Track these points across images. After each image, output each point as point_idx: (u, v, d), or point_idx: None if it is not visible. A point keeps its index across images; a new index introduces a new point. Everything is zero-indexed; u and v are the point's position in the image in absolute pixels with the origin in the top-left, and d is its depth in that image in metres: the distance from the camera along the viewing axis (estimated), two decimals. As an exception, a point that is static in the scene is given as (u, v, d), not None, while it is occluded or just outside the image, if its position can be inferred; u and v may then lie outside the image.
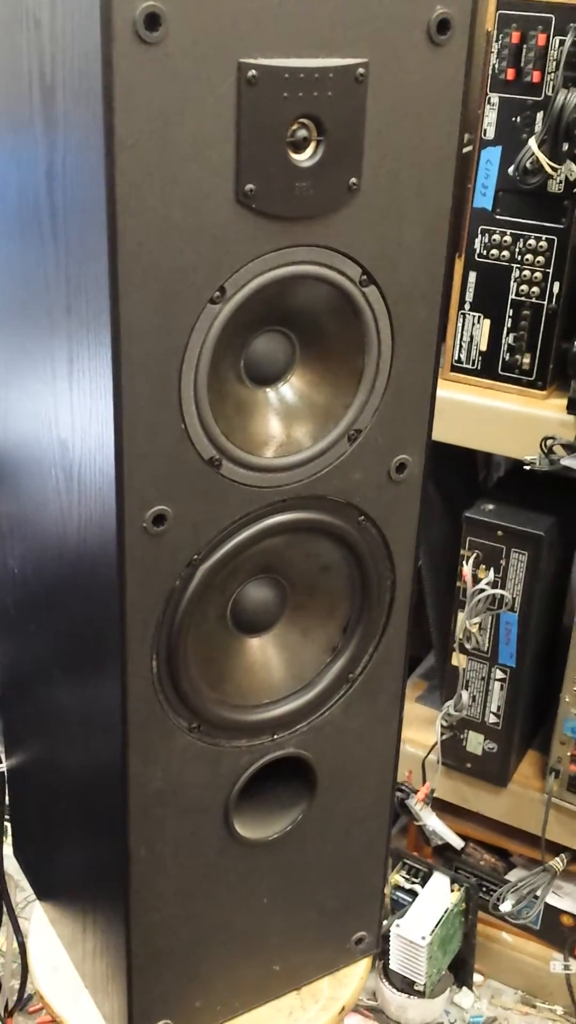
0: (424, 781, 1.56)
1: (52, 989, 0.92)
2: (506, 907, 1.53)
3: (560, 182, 1.25)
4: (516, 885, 1.55)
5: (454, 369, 1.38)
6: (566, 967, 1.51)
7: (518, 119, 1.25)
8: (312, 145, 0.64)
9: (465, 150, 1.10)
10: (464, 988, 1.62)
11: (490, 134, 1.27)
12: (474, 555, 1.40)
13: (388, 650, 0.83)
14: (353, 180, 0.66)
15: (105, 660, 0.73)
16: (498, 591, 1.39)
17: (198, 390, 0.66)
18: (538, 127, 1.23)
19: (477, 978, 1.64)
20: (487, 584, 1.39)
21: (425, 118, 0.68)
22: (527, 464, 1.30)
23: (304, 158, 0.64)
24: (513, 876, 1.62)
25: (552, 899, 1.56)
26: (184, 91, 0.59)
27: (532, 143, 1.22)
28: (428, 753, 1.53)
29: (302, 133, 0.64)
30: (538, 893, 1.54)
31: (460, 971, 1.61)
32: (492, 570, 1.39)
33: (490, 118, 1.26)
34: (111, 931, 0.83)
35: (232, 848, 0.82)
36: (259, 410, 0.72)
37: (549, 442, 1.28)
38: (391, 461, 0.77)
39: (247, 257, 0.65)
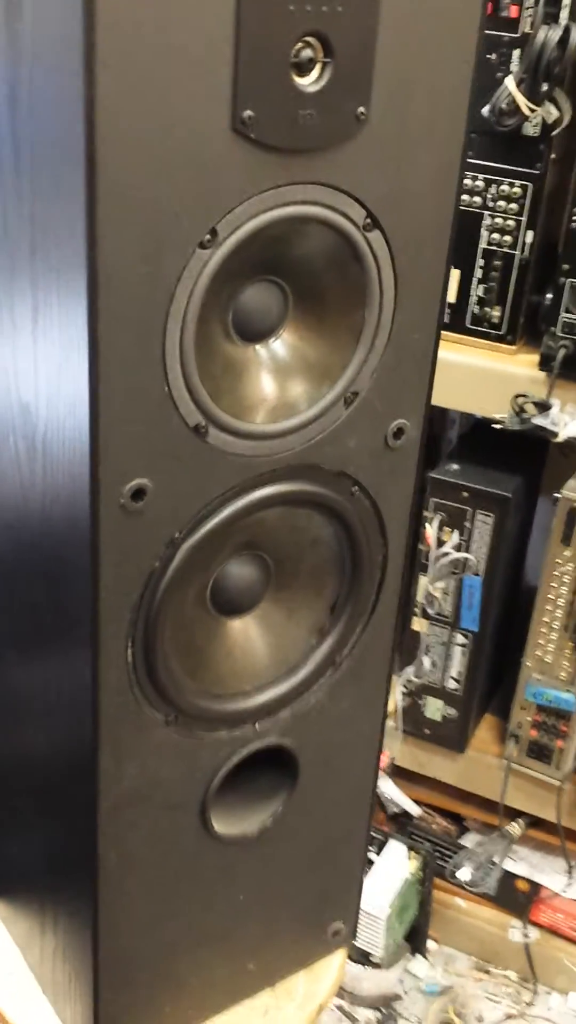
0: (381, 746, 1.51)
1: (5, 995, 0.85)
2: (464, 875, 1.51)
3: (536, 124, 1.18)
4: (473, 852, 1.52)
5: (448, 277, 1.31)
6: (525, 935, 1.49)
7: (494, 57, 1.17)
8: (318, 67, 0.56)
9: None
10: (418, 956, 1.59)
11: (462, 71, 1.19)
12: (438, 517, 1.35)
13: (376, 630, 0.77)
14: (361, 110, 0.58)
15: (73, 648, 0.65)
16: (463, 555, 1.34)
17: (184, 347, 0.58)
18: (514, 66, 1.16)
19: (431, 945, 1.61)
20: (452, 547, 1.34)
21: (440, 43, 0.60)
22: (497, 424, 1.24)
23: (309, 82, 0.56)
24: (468, 841, 1.59)
25: (507, 864, 1.54)
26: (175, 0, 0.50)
27: (509, 82, 1.15)
28: (386, 719, 1.49)
29: (307, 53, 0.55)
30: (495, 859, 1.52)
31: (415, 939, 1.58)
32: (456, 532, 1.34)
33: (462, 54, 1.18)
34: (75, 932, 0.77)
35: (208, 845, 0.76)
36: (249, 370, 0.64)
37: (520, 400, 1.22)
38: (388, 426, 0.70)
39: (243, 195, 0.57)
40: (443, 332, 1.31)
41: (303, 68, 0.56)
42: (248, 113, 0.54)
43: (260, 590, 0.73)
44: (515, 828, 1.50)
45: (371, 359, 0.66)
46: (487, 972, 1.59)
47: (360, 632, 0.77)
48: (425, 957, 1.59)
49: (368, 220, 0.62)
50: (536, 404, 1.21)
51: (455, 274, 1.27)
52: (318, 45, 0.56)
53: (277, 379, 0.65)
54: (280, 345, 0.65)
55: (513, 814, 1.52)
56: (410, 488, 0.74)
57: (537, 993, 1.55)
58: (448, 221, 0.66)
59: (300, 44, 0.55)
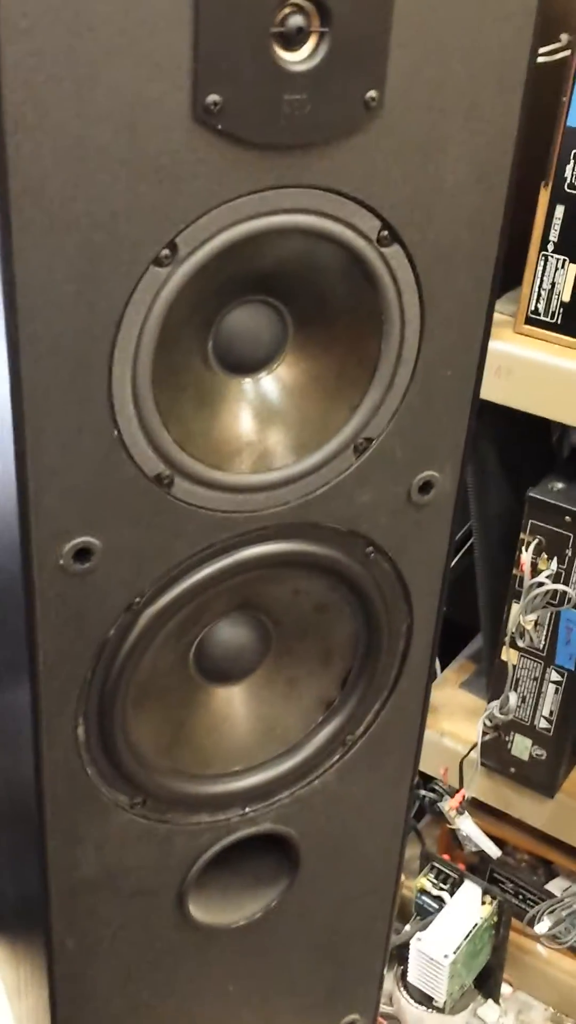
0: (461, 781, 1.39)
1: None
2: (542, 928, 1.37)
3: None
4: (554, 905, 1.38)
5: (529, 322, 1.15)
6: (605, 1005, 1.35)
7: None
8: (312, 39, 0.44)
9: (559, 55, 0.87)
10: (489, 1000, 1.47)
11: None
12: (536, 541, 1.20)
13: (400, 708, 0.65)
14: (372, 94, 0.46)
15: (14, 723, 0.56)
16: (560, 587, 1.19)
17: (138, 383, 0.48)
18: None
19: (505, 988, 1.49)
20: (547, 577, 1.19)
21: (484, 5, 0.47)
22: (607, 443, 1.08)
23: (299, 59, 0.44)
24: (554, 887, 1.45)
25: (595, 919, 1.40)
26: (111, -52, 0.39)
27: None
28: (468, 752, 1.36)
29: (297, 20, 0.43)
30: (580, 914, 1.38)
31: (486, 982, 1.46)
32: (555, 560, 1.19)
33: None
34: (41, 1009, 0.69)
35: (188, 934, 0.67)
36: (231, 407, 0.53)
37: None
38: (413, 479, 0.58)
39: (210, 202, 0.45)
40: (556, 334, 1.17)
41: (290, 40, 0.43)
42: (214, 98, 0.43)
43: (256, 656, 0.62)
44: (605, 884, 1.36)
45: (389, 400, 0.54)
46: (565, 1028, 1.46)
47: (378, 710, 0.65)
48: (497, 1002, 1.47)
49: (384, 232, 0.50)
50: None
51: (572, 269, 1.11)
52: (312, 10, 0.43)
53: (267, 420, 0.54)
54: (274, 379, 0.54)
55: (605, 867, 1.38)
56: (443, 549, 0.61)
57: (619, 1060, 1.41)
58: (496, 228, 0.53)
59: (288, 8, 0.43)
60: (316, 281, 0.51)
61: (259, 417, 0.53)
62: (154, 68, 0.41)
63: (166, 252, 0.45)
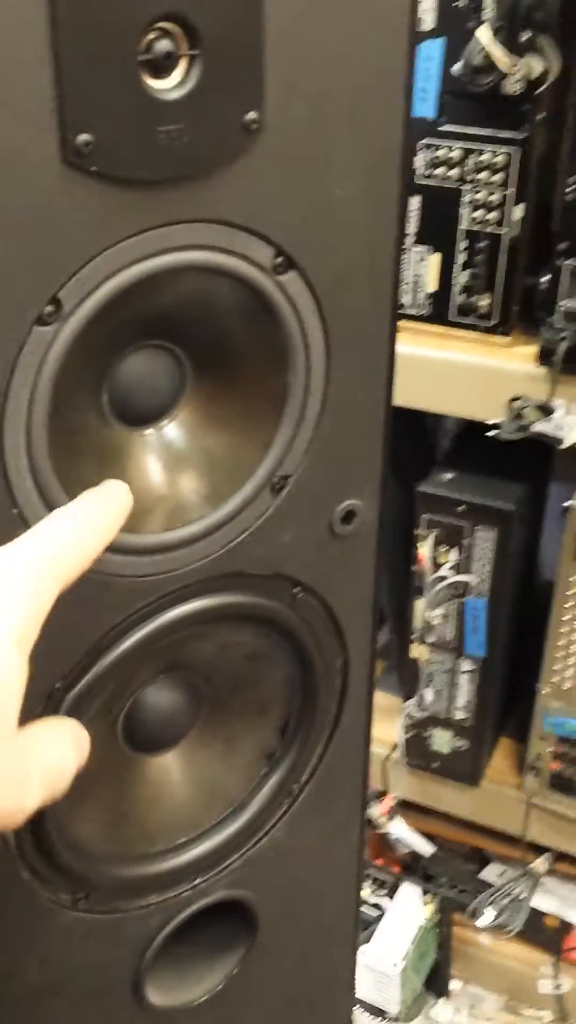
0: (385, 783, 1.38)
1: None
2: (486, 920, 1.37)
3: (519, 81, 1.00)
4: (494, 895, 1.38)
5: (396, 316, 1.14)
6: (557, 987, 1.36)
7: (462, 2, 0.99)
8: (182, 64, 0.40)
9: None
10: (441, 999, 1.46)
11: (428, 22, 1.01)
12: (432, 535, 1.19)
13: (344, 746, 0.62)
14: (252, 116, 0.42)
15: None
16: (462, 577, 1.19)
17: (34, 453, 0.43)
18: (489, 12, 0.98)
19: (455, 985, 1.48)
20: (450, 569, 1.19)
21: (357, 9, 0.44)
22: (491, 432, 1.08)
23: (171, 86, 0.40)
24: (489, 874, 1.45)
25: (534, 901, 1.40)
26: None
27: (482, 33, 0.97)
28: (390, 753, 1.35)
29: (164, 45, 0.39)
30: (521, 898, 1.38)
31: (435, 982, 1.45)
32: (455, 551, 1.19)
33: (427, 2, 1.00)
34: None
35: (148, 1021, 0.62)
36: (135, 462, 0.49)
37: (517, 404, 1.06)
38: (334, 511, 0.54)
39: (91, 250, 0.41)
40: (425, 326, 1.16)
41: (159, 67, 0.39)
42: (84, 138, 0.39)
43: (189, 718, 0.58)
44: (541, 865, 1.37)
45: (302, 433, 0.51)
46: (518, 1014, 1.46)
47: (322, 752, 0.62)
48: (448, 998, 1.47)
49: (279, 260, 0.46)
50: (537, 408, 1.05)
51: (435, 259, 1.10)
52: (179, 32, 0.40)
53: (176, 470, 0.50)
54: (178, 426, 0.50)
55: (537, 847, 1.38)
56: (370, 577, 0.58)
57: (574, 1034, 1.42)
58: (391, 243, 0.50)
59: (152, 33, 0.39)
60: (213, 318, 0.47)
61: (167, 469, 0.49)
62: (14, 115, 0.37)
63: (49, 309, 0.41)
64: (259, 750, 0.60)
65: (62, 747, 0.40)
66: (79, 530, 0.40)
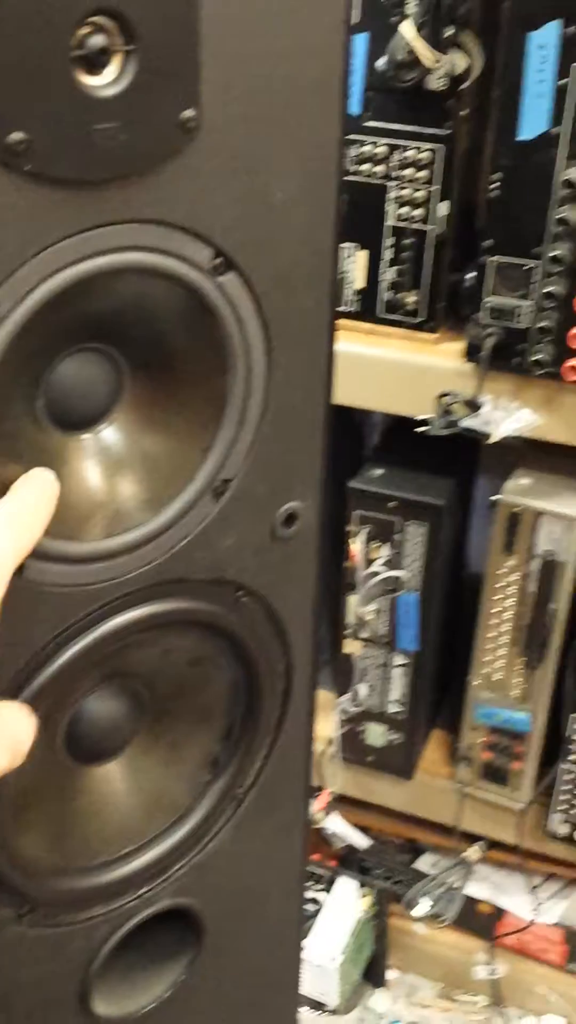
0: (321, 778, 1.38)
1: None
2: (421, 910, 1.38)
3: (442, 77, 1.00)
4: (428, 884, 1.40)
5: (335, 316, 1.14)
6: (491, 972, 1.37)
7: (386, -2, 0.99)
8: (117, 60, 0.39)
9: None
10: (378, 989, 1.47)
11: (352, 16, 1.01)
12: (363, 530, 1.19)
13: (287, 748, 0.62)
14: (188, 113, 0.41)
15: None
16: (394, 572, 1.19)
17: (-30, 465, 0.42)
18: (413, 7, 0.98)
19: (392, 975, 1.49)
20: (382, 565, 1.19)
21: (293, 6, 0.43)
22: (421, 428, 1.08)
23: (105, 82, 0.39)
24: (423, 864, 1.47)
25: (468, 889, 1.42)
26: None
27: (406, 28, 0.97)
28: (325, 748, 1.35)
29: (98, 41, 0.38)
30: (455, 887, 1.40)
31: (373, 973, 1.46)
32: (387, 546, 1.19)
33: (350, -3, 1.00)
34: None
35: (97, 1033, 0.61)
36: (73, 468, 0.48)
37: (446, 399, 1.07)
38: (276, 514, 0.54)
39: (26, 251, 0.40)
40: (354, 322, 1.16)
41: (94, 63, 0.38)
42: (17, 137, 0.37)
43: (131, 726, 0.57)
44: (473, 854, 1.38)
45: (243, 436, 0.50)
46: (453, 1000, 1.48)
47: (266, 755, 0.61)
48: (386, 987, 1.48)
49: (218, 260, 0.45)
50: (465, 404, 1.05)
51: (362, 256, 1.10)
52: (113, 27, 0.39)
53: (115, 475, 0.49)
54: (116, 430, 0.49)
55: (469, 836, 1.40)
56: (312, 580, 0.58)
57: (509, 1019, 1.44)
58: (330, 243, 0.50)
59: (85, 28, 0.38)
60: (151, 321, 0.46)
61: (106, 474, 0.48)
62: (-57, 108, 0.36)
63: (-17, 312, 0.40)
64: (203, 756, 0.59)
65: (19, 719, 0.42)
66: (20, 518, 0.42)
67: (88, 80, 0.38)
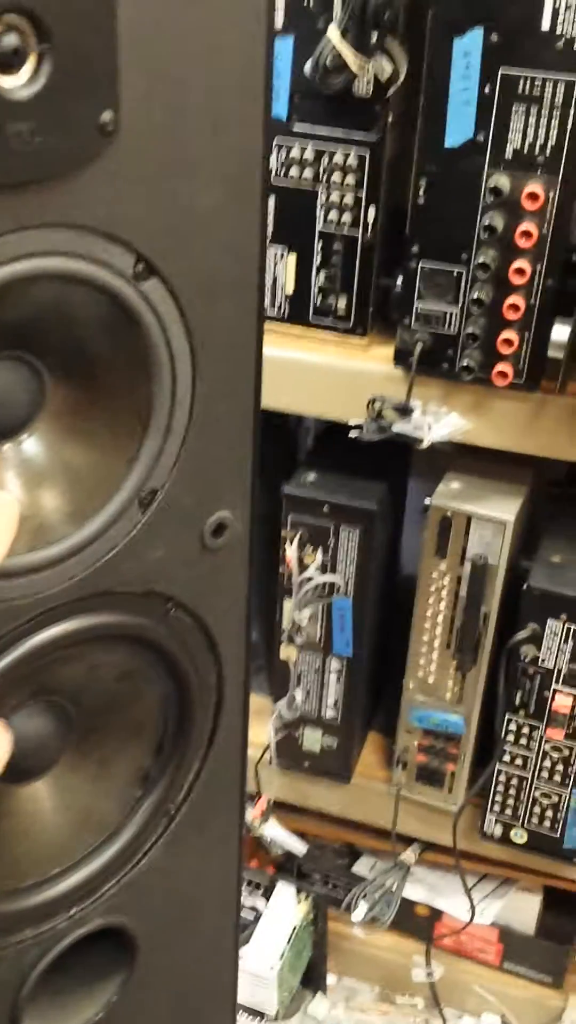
0: (257, 785, 1.37)
1: None
2: (359, 915, 1.38)
3: (369, 82, 1.00)
4: (366, 888, 1.40)
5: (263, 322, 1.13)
6: (429, 974, 1.38)
7: (310, 2, 0.99)
8: (31, 60, 0.38)
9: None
10: (318, 994, 1.47)
11: (277, 21, 1.00)
12: (297, 535, 1.19)
13: (220, 761, 0.61)
14: (106, 116, 0.40)
15: None
16: (328, 577, 1.19)
17: None
18: (337, 12, 0.98)
19: (331, 979, 1.49)
20: (316, 570, 1.18)
21: (214, 13, 0.42)
22: (353, 432, 1.08)
23: (19, 83, 0.38)
24: (361, 867, 1.47)
25: (405, 891, 1.42)
26: None
27: (332, 32, 0.97)
28: (261, 755, 1.34)
29: (11, 40, 0.37)
30: (393, 889, 1.40)
31: (311, 978, 1.46)
32: (320, 551, 1.19)
33: (277, -1, 0.99)
34: None
35: (29, 1060, 0.59)
36: (-6, 482, 0.46)
37: (376, 404, 1.07)
38: (205, 524, 0.53)
39: None
40: (284, 326, 1.16)
41: (7, 63, 0.37)
42: None
43: (58, 743, 0.56)
44: (410, 856, 1.38)
45: (169, 445, 0.49)
46: (392, 1003, 1.48)
47: (198, 769, 0.60)
48: (324, 994, 1.47)
49: (140, 266, 0.44)
50: (395, 409, 1.05)
51: (292, 260, 1.10)
52: (27, 27, 0.37)
53: (37, 487, 0.47)
54: (37, 441, 0.47)
55: (406, 839, 1.40)
56: (243, 590, 0.57)
57: (447, 1020, 1.45)
58: (256, 248, 0.49)
59: (-1, 27, 0.37)
60: (71, 328, 0.45)
61: (27, 486, 0.47)
62: None
63: None
64: (133, 772, 0.58)
65: None
66: None
67: (1, 81, 0.37)
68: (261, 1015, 1.36)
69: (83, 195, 0.41)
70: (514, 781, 1.24)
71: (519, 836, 1.27)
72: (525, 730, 1.20)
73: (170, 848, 0.61)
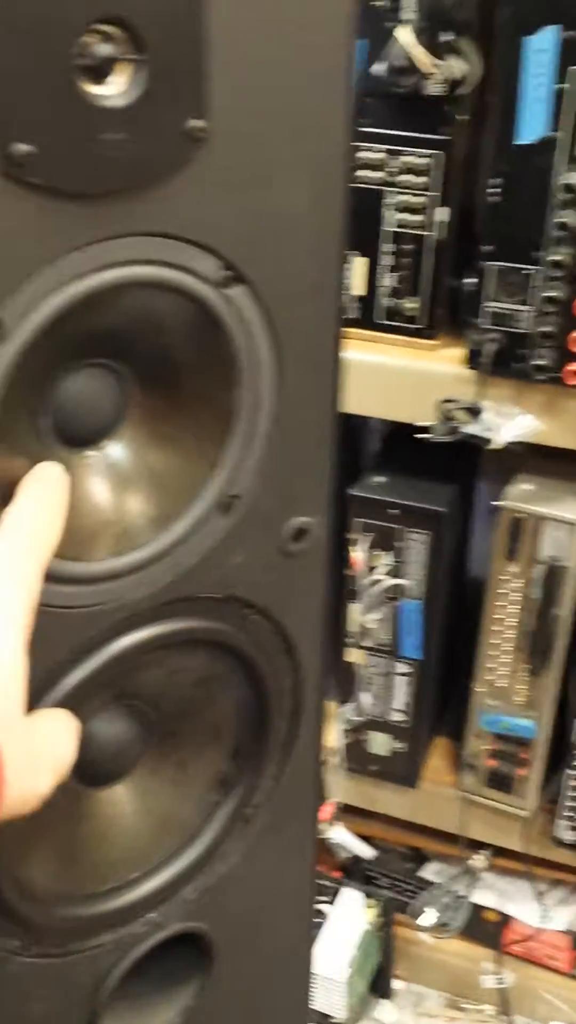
0: (324, 788, 1.37)
1: None
2: (428, 920, 1.37)
3: (440, 83, 0.99)
4: (435, 893, 1.39)
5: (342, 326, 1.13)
6: (499, 981, 1.36)
7: (382, 2, 0.98)
8: (124, 69, 0.38)
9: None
10: (384, 1000, 1.46)
11: (348, 22, 1.00)
12: (365, 538, 1.18)
13: (296, 766, 0.61)
14: (196, 123, 0.40)
15: None
16: (397, 580, 1.18)
17: (-25, 484, 0.41)
18: (409, 12, 0.97)
19: (398, 985, 1.48)
20: (384, 573, 1.18)
21: (300, 18, 0.42)
22: (422, 434, 1.07)
23: (112, 92, 0.38)
24: (428, 872, 1.46)
25: (474, 896, 1.41)
26: None
27: (403, 34, 0.96)
28: (328, 759, 1.34)
29: (104, 49, 0.37)
30: (461, 895, 1.39)
31: (379, 984, 1.45)
32: (388, 554, 1.18)
33: (346, 1, 0.99)
34: None
35: (107, 1062, 0.60)
36: (78, 486, 0.46)
37: (447, 406, 1.06)
38: (285, 529, 0.53)
39: (31, 266, 0.39)
40: (353, 329, 1.15)
41: (100, 73, 0.37)
42: (22, 148, 0.36)
43: (137, 747, 0.56)
44: (479, 861, 1.37)
45: (252, 451, 0.49)
46: (461, 1009, 1.47)
47: (274, 774, 0.60)
48: (391, 999, 1.46)
49: (226, 273, 0.44)
50: (466, 410, 1.04)
51: (361, 263, 1.09)
52: (120, 36, 0.37)
53: (122, 492, 0.48)
54: (123, 446, 0.47)
55: (474, 844, 1.39)
56: (321, 594, 0.57)
57: (516, 1028, 1.43)
58: (337, 252, 0.49)
59: (90, 36, 0.37)
60: (157, 335, 0.45)
61: (112, 491, 0.47)
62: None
63: (-12, 331, 0.38)
64: (211, 777, 0.58)
65: (64, 731, 0.43)
66: (42, 514, 0.41)
67: (95, 90, 0.37)
68: (329, 1019, 1.35)
69: (171, 202, 0.41)
70: (586, 787, 1.22)
71: (591, 842, 1.25)
72: (598, 735, 1.18)
73: (247, 853, 0.60)
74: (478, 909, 1.41)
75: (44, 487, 0.42)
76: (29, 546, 0.40)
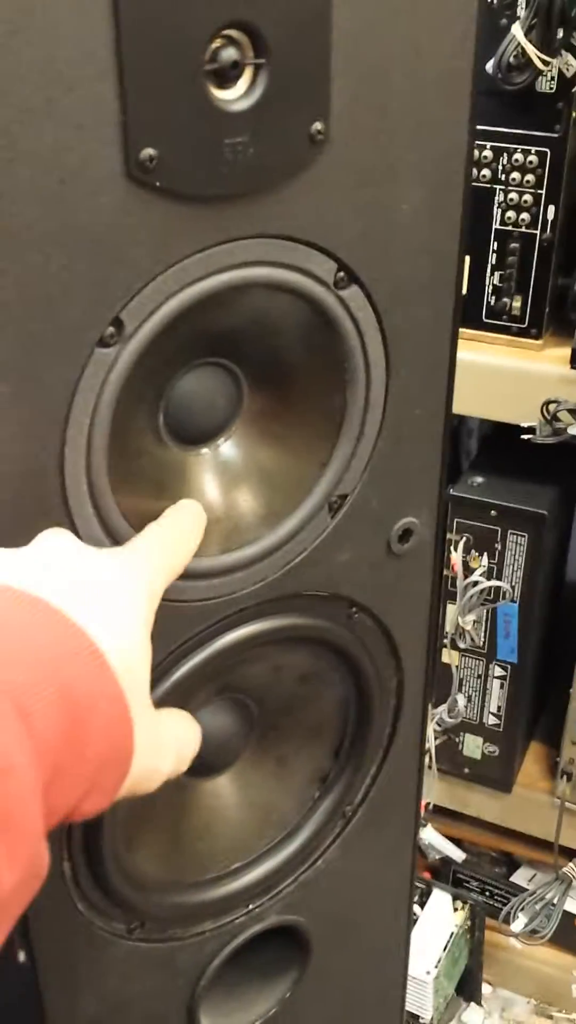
0: (415, 789, 1.36)
1: None
2: (518, 926, 1.35)
3: (552, 79, 0.98)
4: (527, 899, 1.37)
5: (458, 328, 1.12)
6: (590, 987, 1.34)
7: (496, 0, 0.97)
8: (248, 73, 0.39)
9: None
10: (472, 1004, 1.45)
11: (458, 19, 0.99)
12: (463, 539, 1.17)
13: (397, 767, 0.61)
14: (318, 126, 0.41)
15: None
16: (495, 583, 1.17)
17: (94, 480, 0.42)
18: (521, 11, 0.96)
19: (486, 989, 1.47)
20: (482, 575, 1.17)
21: (423, 14, 0.42)
22: (526, 435, 1.06)
23: (237, 96, 0.39)
24: (520, 878, 1.44)
25: (566, 904, 1.39)
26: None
27: (516, 30, 0.95)
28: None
29: (230, 54, 0.38)
30: (555, 902, 1.37)
31: (467, 987, 1.44)
32: (486, 556, 1.17)
33: None
34: None
35: (204, 1049, 0.61)
36: (192, 483, 0.47)
37: (552, 407, 1.04)
38: (392, 529, 0.53)
39: (154, 269, 0.39)
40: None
41: (225, 77, 0.38)
42: (148, 152, 0.37)
43: (240, 740, 0.57)
44: (574, 869, 1.35)
45: (360, 451, 0.49)
46: (549, 1017, 1.45)
47: (375, 773, 0.60)
48: (479, 1004, 1.45)
49: (341, 274, 0.45)
50: (572, 411, 1.03)
51: (465, 261, 1.08)
52: (245, 41, 0.38)
53: (233, 490, 0.48)
54: (234, 445, 0.48)
55: (568, 852, 1.37)
56: (427, 596, 0.57)
57: (606, 1040, 1.40)
58: (454, 254, 0.49)
59: (218, 41, 0.37)
60: (272, 335, 0.45)
61: (224, 489, 0.48)
62: (78, 128, 0.35)
63: (111, 330, 0.39)
64: (312, 772, 0.59)
65: (187, 726, 0.44)
66: (181, 537, 0.44)
67: (220, 94, 0.38)
68: (417, 1019, 1.35)
69: (291, 204, 0.41)
70: None
71: None
72: None
73: (346, 850, 0.61)
74: (570, 917, 1.39)
75: (187, 515, 0.44)
76: (161, 557, 0.42)
